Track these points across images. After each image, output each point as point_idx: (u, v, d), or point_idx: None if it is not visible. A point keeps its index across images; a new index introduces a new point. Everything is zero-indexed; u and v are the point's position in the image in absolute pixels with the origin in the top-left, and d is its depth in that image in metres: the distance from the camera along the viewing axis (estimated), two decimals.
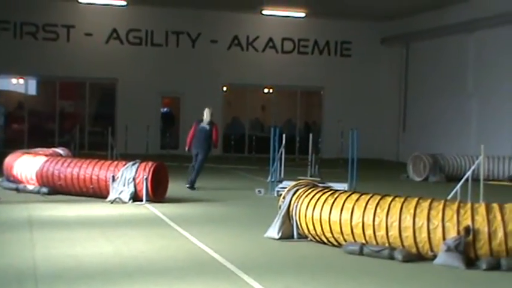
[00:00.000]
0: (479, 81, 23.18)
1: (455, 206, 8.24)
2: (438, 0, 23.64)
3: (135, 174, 12.91)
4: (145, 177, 12.76)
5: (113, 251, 8.55)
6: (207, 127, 15.57)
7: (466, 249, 7.95)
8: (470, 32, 23.40)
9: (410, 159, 20.21)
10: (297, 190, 9.69)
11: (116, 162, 13.74)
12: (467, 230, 7.95)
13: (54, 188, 13.69)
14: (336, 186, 13.36)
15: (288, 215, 9.60)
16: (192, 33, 27.26)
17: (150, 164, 13.11)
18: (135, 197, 12.86)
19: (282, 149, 15.78)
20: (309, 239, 9.45)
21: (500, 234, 7.88)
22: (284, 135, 15.81)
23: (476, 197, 12.50)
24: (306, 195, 9.44)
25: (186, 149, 15.87)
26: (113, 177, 13.01)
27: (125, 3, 25.37)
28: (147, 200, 12.77)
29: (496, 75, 22.23)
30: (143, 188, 12.77)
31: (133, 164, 13.17)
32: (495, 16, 21.68)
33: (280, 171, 16.09)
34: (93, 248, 8.68)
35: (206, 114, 15.64)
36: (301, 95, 29.12)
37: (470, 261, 7.97)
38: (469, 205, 8.25)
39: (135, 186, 12.86)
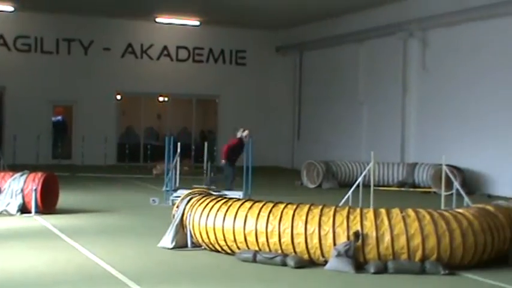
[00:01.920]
0: (369, 90, 23.88)
1: (345, 212, 8.43)
2: (330, 11, 24.18)
3: (24, 186, 12.51)
4: (34, 188, 12.38)
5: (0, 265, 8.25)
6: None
7: (356, 254, 8.14)
8: (360, 42, 24.09)
9: (304, 167, 20.55)
10: (191, 199, 9.65)
11: (2, 174, 13.27)
12: (356, 235, 8.15)
13: None
14: (231, 194, 13.44)
15: (182, 224, 9.54)
16: (84, 40, 26.72)
17: (39, 174, 12.74)
18: (24, 209, 12.46)
19: (177, 158, 15.70)
20: (203, 247, 9.43)
21: (387, 238, 8.12)
22: (179, 144, 15.74)
23: (367, 203, 12.85)
24: (200, 204, 9.41)
25: (225, 160, 16.95)
26: (0, 189, 12.55)
27: (12, 8, 24.59)
28: (36, 212, 12.39)
29: (384, 83, 22.96)
30: (32, 199, 12.39)
31: (21, 175, 12.77)
32: (382, 27, 22.41)
33: (176, 180, 15.99)
34: None
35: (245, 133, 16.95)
36: (196, 103, 29.09)
37: (360, 266, 8.16)
38: (358, 211, 8.46)
39: (23, 198, 12.46)
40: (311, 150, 26.06)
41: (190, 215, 9.40)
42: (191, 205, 9.50)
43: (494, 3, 18.18)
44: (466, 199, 12.78)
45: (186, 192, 10.40)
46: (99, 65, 26.83)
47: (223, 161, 17.09)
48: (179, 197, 10.79)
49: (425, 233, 8.11)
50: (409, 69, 21.80)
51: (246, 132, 16.98)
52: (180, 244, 9.46)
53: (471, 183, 18.40)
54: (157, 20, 26.43)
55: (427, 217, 8.25)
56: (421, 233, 8.11)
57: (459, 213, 8.54)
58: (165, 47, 27.89)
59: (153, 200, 14.57)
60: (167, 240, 9.50)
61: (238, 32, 28.39)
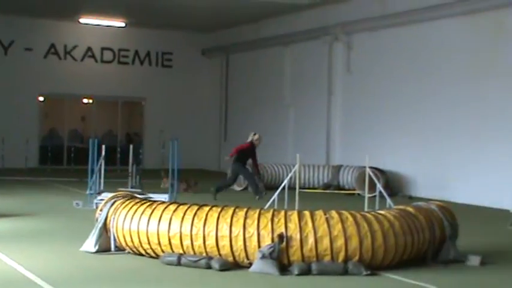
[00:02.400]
0: (295, 92, 24.10)
1: (269, 214, 8.46)
2: (256, 14, 24.29)
3: None
4: None
5: None
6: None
7: (280, 256, 8.18)
8: (286, 45, 24.29)
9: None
10: (115, 202, 9.51)
11: None
12: (280, 237, 8.19)
13: None
14: (157, 197, 13.33)
15: (105, 228, 9.39)
16: (4, 40, 26.03)
17: None
18: None
19: (102, 160, 15.46)
20: (126, 251, 9.30)
21: (311, 240, 8.18)
22: (104, 146, 15.52)
23: (293, 205, 12.97)
24: (124, 207, 9.29)
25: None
26: None
27: None
28: None
29: (310, 86, 23.21)
30: None
31: None
32: (308, 31, 22.66)
33: (100, 183, 15.74)
34: None
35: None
36: (122, 105, 28.73)
37: (284, 267, 8.20)
38: (282, 213, 8.50)
39: None
40: None
41: (114, 218, 9.26)
42: (115, 208, 9.36)
43: (414, 9, 18.61)
44: (389, 201, 13.05)
45: (110, 195, 10.23)
46: (21, 65, 26.17)
47: (227, 158, 17.68)
48: (103, 200, 10.63)
49: (348, 234, 8.21)
50: (334, 72, 22.11)
51: (256, 136, 17.25)
52: (104, 248, 9.30)
53: (394, 185, 18.80)
54: (81, 20, 25.97)
55: (350, 219, 8.36)
56: (344, 234, 8.21)
57: (381, 214, 8.68)
58: (90, 48, 27.45)
59: (77, 203, 14.31)
60: (90, 244, 9.34)
61: (164, 33, 28.21)
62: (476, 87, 17.29)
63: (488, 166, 16.78)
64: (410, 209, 9.15)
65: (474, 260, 9.06)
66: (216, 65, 28.71)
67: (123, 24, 26.59)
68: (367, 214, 8.67)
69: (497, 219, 13.96)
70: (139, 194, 12.45)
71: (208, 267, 8.37)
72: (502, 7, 16.45)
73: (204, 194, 17.02)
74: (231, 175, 17.38)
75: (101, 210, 9.56)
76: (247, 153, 17.20)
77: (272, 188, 17.09)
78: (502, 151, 16.30)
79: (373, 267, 8.30)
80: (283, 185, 13.53)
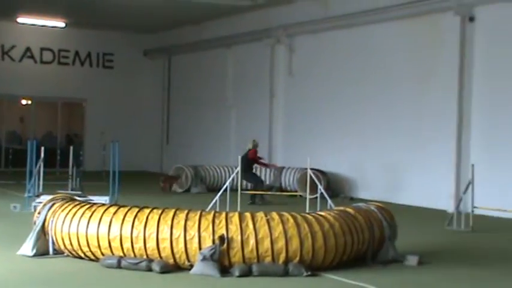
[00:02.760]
0: (238, 94, 24.13)
1: (210, 216, 8.45)
2: (198, 16, 24.22)
3: None
4: None
5: None
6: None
7: (221, 258, 8.17)
8: (228, 47, 24.29)
9: (173, 171, 20.46)
10: (53, 204, 9.36)
11: None
12: (221, 239, 8.18)
13: None
14: (97, 199, 13.15)
15: (43, 231, 9.23)
16: None
17: None
18: None
19: (41, 162, 15.19)
20: (65, 254, 9.16)
21: (252, 241, 8.20)
22: (43, 148, 15.25)
23: (235, 207, 12.97)
24: (63, 210, 9.14)
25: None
26: None
27: None
28: None
29: (252, 88, 23.26)
30: None
31: None
32: (250, 33, 22.71)
33: (39, 185, 15.46)
34: None
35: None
36: (62, 106, 28.27)
37: (225, 269, 8.20)
38: (223, 215, 8.50)
39: None
40: (180, 154, 26.01)
41: (52, 221, 9.11)
42: (53, 211, 9.21)
43: (355, 12, 18.85)
44: (330, 202, 13.18)
45: (49, 197, 10.06)
46: None
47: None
48: (42, 202, 10.43)
49: (289, 235, 8.26)
50: (276, 74, 22.21)
51: (253, 144, 17.25)
52: (42, 251, 9.14)
53: (335, 186, 19.00)
54: (19, 20, 25.45)
55: (291, 220, 8.41)
56: (284, 235, 8.25)
57: (321, 215, 8.75)
58: (28, 49, 26.96)
59: (14, 206, 14.02)
60: (27, 247, 9.16)
61: (105, 34, 27.89)
62: (414, 89, 17.62)
63: (426, 167, 17.11)
64: (350, 210, 9.25)
65: (412, 260, 9.22)
66: (158, 66, 28.54)
67: (63, 25, 26.16)
68: (308, 215, 8.74)
69: (435, 220, 14.24)
70: (79, 197, 12.28)
71: (149, 269, 8.31)
72: (437, 11, 16.80)
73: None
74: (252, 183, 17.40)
75: (39, 213, 9.39)
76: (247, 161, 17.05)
77: (214, 190, 17.06)
78: (440, 152, 16.63)
79: (314, 268, 8.36)
80: (224, 187, 13.52)
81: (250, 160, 17.09)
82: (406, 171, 17.74)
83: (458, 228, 12.81)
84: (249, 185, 17.71)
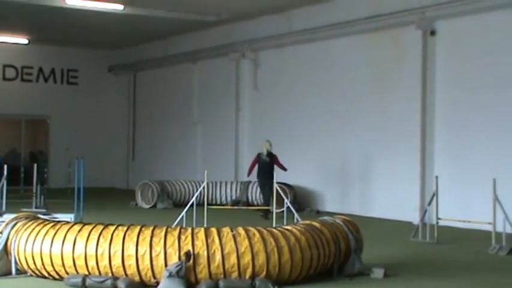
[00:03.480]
0: (204, 109, 24.10)
1: (176, 232, 8.40)
2: (163, 31, 24.19)
3: None
4: None
5: None
6: (267, 159, 16.91)
7: (187, 274, 8.12)
8: (194, 62, 24.29)
9: (139, 187, 20.35)
10: (16, 223, 9.23)
11: None
12: (187, 255, 8.14)
13: None
14: (62, 217, 13.01)
15: (6, 251, 9.08)
16: None
17: None
18: None
19: (4, 180, 15.01)
20: (29, 274, 9.02)
21: (218, 257, 8.17)
22: (6, 166, 15.07)
23: (201, 222, 12.92)
24: (26, 229, 9.02)
25: (247, 175, 17.73)
26: None
27: None
28: None
29: (218, 103, 23.27)
30: None
31: None
32: (215, 47, 22.75)
33: (2, 204, 15.25)
34: None
35: (265, 147, 17.11)
36: (26, 123, 27.95)
37: (191, 285, 8.15)
38: (189, 230, 8.46)
39: None
40: (147, 170, 25.88)
41: (15, 241, 8.98)
42: (16, 230, 9.08)
43: (317, 27, 19.00)
44: (296, 216, 13.20)
45: (12, 216, 9.91)
46: None
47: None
48: (4, 222, 10.28)
49: (255, 250, 8.24)
50: (242, 89, 22.26)
51: (270, 145, 17.30)
52: (4, 271, 8.99)
53: (302, 200, 19.04)
54: None
55: (257, 235, 8.40)
56: (251, 250, 8.23)
57: (287, 229, 8.76)
58: None
59: None
60: None
61: (69, 50, 27.69)
62: (378, 101, 17.78)
63: (392, 179, 17.23)
64: (316, 223, 9.28)
65: (378, 273, 9.27)
66: (123, 82, 28.42)
67: (25, 41, 25.93)
68: (274, 230, 8.74)
69: (401, 232, 14.33)
70: (43, 215, 12.13)
71: (115, 287, 8.22)
72: (399, 26, 17.01)
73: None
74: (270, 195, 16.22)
75: (1, 232, 9.24)
76: (261, 166, 17.00)
77: (181, 205, 16.97)
78: (405, 164, 16.76)
79: (281, 282, 8.35)
80: (191, 202, 13.47)
81: (272, 166, 16.55)
82: (372, 183, 17.85)
83: (424, 240, 12.91)
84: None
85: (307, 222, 9.47)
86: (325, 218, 9.88)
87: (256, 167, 17.25)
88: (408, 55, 16.82)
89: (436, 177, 13.23)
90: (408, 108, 16.68)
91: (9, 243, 9.05)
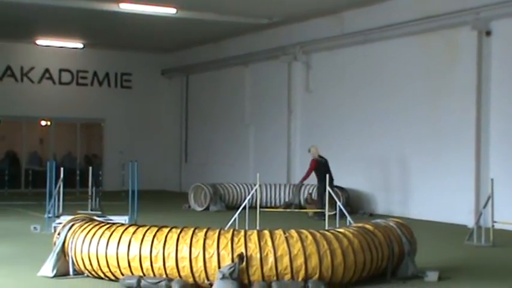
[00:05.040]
0: (255, 112, 24.18)
1: (229, 235, 8.45)
2: (215, 34, 24.36)
3: None
4: None
5: None
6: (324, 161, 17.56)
7: (240, 276, 8.16)
8: (246, 65, 24.39)
9: (192, 189, 20.49)
10: (73, 225, 9.41)
11: None
12: (240, 257, 8.18)
13: None
14: (117, 219, 13.19)
15: (63, 252, 9.28)
16: None
17: None
18: None
19: (60, 183, 15.30)
20: (85, 274, 9.19)
21: (271, 259, 8.18)
22: (62, 169, 15.36)
23: (254, 224, 12.96)
24: (82, 230, 9.19)
25: (301, 182, 18.23)
26: None
27: None
28: None
29: (270, 106, 23.32)
30: None
31: None
32: (267, 50, 22.80)
33: (59, 206, 15.57)
34: None
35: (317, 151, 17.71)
36: (81, 127, 28.47)
37: (244, 287, 8.19)
38: (242, 233, 8.49)
39: None
40: (199, 172, 26.06)
41: (72, 242, 9.16)
42: (73, 231, 9.26)
43: (370, 28, 18.89)
44: (349, 218, 13.15)
45: (68, 218, 10.12)
46: None
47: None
48: (62, 223, 10.50)
49: (308, 253, 8.24)
50: (294, 91, 22.25)
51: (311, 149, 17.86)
52: (62, 272, 9.18)
53: (354, 203, 18.93)
54: (38, 42, 25.76)
55: (310, 237, 8.39)
56: (303, 253, 8.23)
57: (340, 232, 8.73)
58: (47, 70, 27.21)
59: (34, 228, 14.10)
60: (48, 268, 9.21)
61: (123, 54, 28.11)
62: (431, 104, 17.56)
63: (446, 183, 17.00)
64: (369, 226, 9.22)
65: (432, 276, 9.16)
66: (176, 85, 28.69)
67: (81, 45, 26.43)
68: (327, 232, 8.72)
69: (455, 235, 14.14)
70: (98, 217, 12.34)
71: None
72: (453, 26, 16.77)
73: None
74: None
75: (58, 233, 9.44)
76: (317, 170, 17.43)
77: (233, 208, 17.06)
78: (459, 167, 16.53)
79: (333, 285, 8.33)
80: (243, 205, 13.53)
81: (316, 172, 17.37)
82: (425, 186, 17.64)
83: (479, 243, 12.71)
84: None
85: (360, 224, 9.42)
86: (378, 220, 9.82)
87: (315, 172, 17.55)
88: (463, 56, 16.58)
89: (492, 179, 13.01)
90: (463, 110, 16.43)
91: (66, 244, 9.23)
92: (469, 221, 15.12)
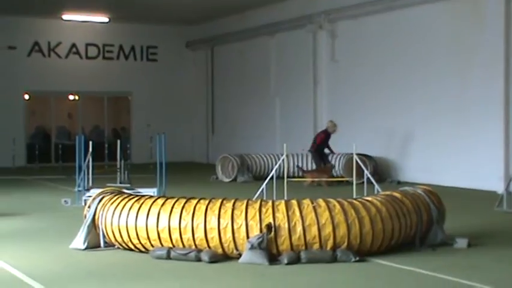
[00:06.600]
0: (281, 82, 24.10)
1: (257, 205, 8.49)
2: (239, 5, 24.24)
3: None
4: None
5: None
6: None
7: (269, 246, 8.22)
8: (271, 35, 24.27)
9: (219, 161, 20.56)
10: (103, 198, 9.52)
11: None
12: (269, 227, 8.23)
13: None
14: (146, 191, 13.30)
15: (94, 224, 9.40)
16: None
17: None
18: None
19: (89, 157, 15.45)
20: (116, 247, 9.31)
21: (299, 228, 8.22)
22: (91, 142, 15.51)
23: (281, 195, 12.99)
24: (112, 203, 9.29)
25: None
26: None
27: None
28: None
29: (295, 76, 23.23)
30: None
31: None
32: (292, 20, 22.66)
33: (88, 179, 15.74)
34: None
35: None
36: (108, 100, 28.62)
37: (273, 257, 8.25)
38: (270, 203, 8.53)
39: None
40: (226, 144, 26.12)
41: (102, 215, 9.27)
42: (103, 204, 9.37)
43: None
44: (377, 187, 13.11)
45: (98, 191, 10.23)
46: (4, 64, 25.99)
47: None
48: (91, 196, 10.62)
49: (336, 222, 8.26)
50: (319, 61, 22.11)
51: (329, 124, 18.59)
52: (93, 244, 9.32)
53: (382, 171, 18.88)
54: (64, 17, 25.86)
55: (337, 206, 8.41)
56: (331, 222, 8.25)
57: (368, 201, 8.73)
58: (74, 45, 27.32)
59: (65, 201, 14.28)
60: (79, 241, 9.35)
61: (148, 27, 28.10)
62: (459, 69, 17.37)
63: (474, 148, 16.87)
64: (397, 194, 9.20)
65: (462, 243, 9.14)
66: (201, 57, 28.66)
67: (106, 20, 26.48)
68: (354, 201, 8.73)
69: (484, 201, 14.05)
70: (127, 189, 12.45)
71: (198, 259, 8.39)
72: None
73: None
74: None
75: (89, 207, 9.56)
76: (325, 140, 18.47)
77: (261, 178, 17.10)
78: (487, 133, 16.38)
79: (362, 253, 8.36)
80: (270, 175, 13.55)
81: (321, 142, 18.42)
82: (453, 153, 17.52)
83: (509, 210, 12.63)
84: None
85: (388, 192, 9.40)
86: (406, 188, 9.79)
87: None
88: (489, 21, 16.33)
89: None
90: (490, 75, 16.24)
91: (96, 217, 9.35)
92: (499, 187, 15.01)
